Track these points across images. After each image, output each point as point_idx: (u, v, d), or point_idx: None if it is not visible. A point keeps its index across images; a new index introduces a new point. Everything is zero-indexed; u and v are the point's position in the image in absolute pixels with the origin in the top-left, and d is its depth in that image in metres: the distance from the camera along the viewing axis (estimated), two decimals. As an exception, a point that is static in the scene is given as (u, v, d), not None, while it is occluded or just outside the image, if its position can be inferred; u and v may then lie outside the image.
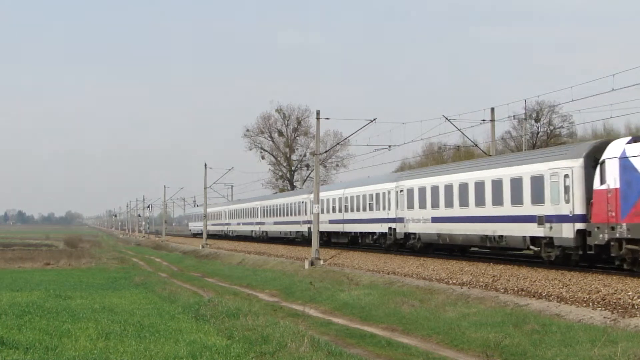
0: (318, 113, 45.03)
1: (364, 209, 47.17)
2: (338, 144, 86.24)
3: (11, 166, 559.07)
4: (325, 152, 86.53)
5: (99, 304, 25.15)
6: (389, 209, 43.03)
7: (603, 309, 20.02)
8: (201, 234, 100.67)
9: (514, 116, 66.79)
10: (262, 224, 74.12)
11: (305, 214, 58.19)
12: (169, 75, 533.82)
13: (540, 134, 79.92)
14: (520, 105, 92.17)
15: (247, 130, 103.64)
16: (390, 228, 42.98)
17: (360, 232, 48.51)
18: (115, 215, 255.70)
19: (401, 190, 41.34)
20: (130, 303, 26.08)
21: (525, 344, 17.25)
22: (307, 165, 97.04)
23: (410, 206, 40.12)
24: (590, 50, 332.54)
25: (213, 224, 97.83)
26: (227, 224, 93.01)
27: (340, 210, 51.56)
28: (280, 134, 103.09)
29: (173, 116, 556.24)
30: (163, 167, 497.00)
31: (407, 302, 25.30)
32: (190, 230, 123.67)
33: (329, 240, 54.02)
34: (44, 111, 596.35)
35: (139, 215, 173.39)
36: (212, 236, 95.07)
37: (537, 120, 78.55)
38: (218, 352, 15.56)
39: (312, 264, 41.53)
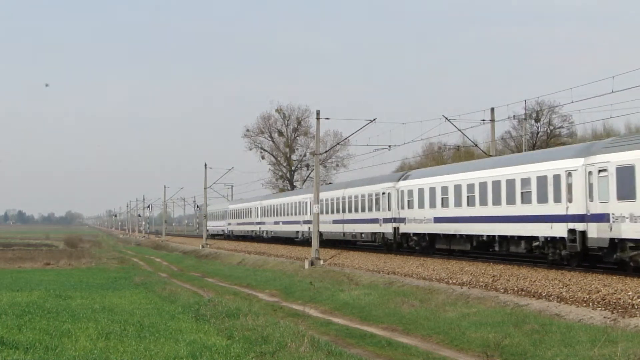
0: (318, 113, 45.10)
1: (510, 202, 31.94)
2: (338, 144, 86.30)
3: (11, 166, 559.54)
4: (325, 152, 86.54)
5: (99, 304, 25.16)
6: (570, 201, 28.19)
7: (603, 309, 20.02)
8: (221, 234, 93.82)
9: (514, 116, 66.95)
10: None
11: (388, 210, 43.73)
12: (169, 75, 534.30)
13: (540, 134, 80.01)
14: (520, 106, 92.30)
15: (247, 130, 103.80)
16: (572, 230, 28.00)
17: (502, 236, 32.99)
18: (115, 215, 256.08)
19: (601, 170, 26.43)
20: (130, 303, 26.09)
21: (525, 344, 17.26)
22: (307, 165, 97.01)
23: (626, 195, 25.07)
24: (591, 51, 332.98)
25: (239, 223, 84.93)
26: (259, 224, 75.68)
27: (457, 204, 36.23)
28: (280, 134, 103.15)
29: (173, 116, 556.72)
30: (163, 167, 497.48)
31: (407, 302, 25.31)
32: (207, 230, 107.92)
33: (431, 245, 39.92)
34: (43, 111, 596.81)
35: (139, 215, 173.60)
36: (238, 238, 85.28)
37: (537, 120, 78.64)
38: (218, 352, 15.57)
39: (312, 264, 41.53)
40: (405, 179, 42.63)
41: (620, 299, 20.78)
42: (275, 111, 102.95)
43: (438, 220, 37.96)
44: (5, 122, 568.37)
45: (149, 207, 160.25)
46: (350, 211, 49.33)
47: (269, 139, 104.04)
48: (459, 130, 44.11)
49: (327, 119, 46.07)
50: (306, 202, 59.55)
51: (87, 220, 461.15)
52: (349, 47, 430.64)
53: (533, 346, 16.98)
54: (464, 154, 72.36)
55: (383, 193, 44.33)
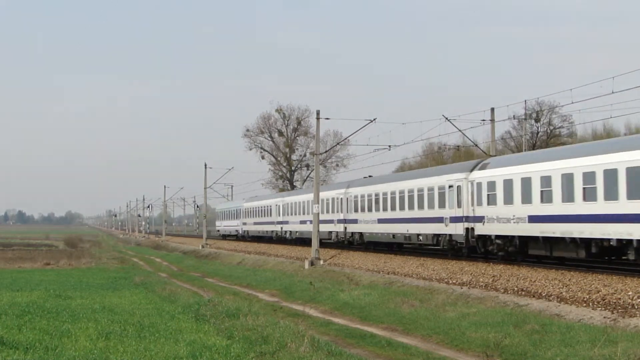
0: (318, 113, 45.10)
1: None
2: (338, 144, 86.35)
3: (11, 166, 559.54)
4: (325, 152, 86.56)
5: (99, 304, 25.16)
6: None
7: (603, 309, 20.02)
8: (235, 235, 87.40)
9: (513, 116, 67.07)
10: (354, 221, 48.97)
11: (458, 206, 35.39)
12: (169, 76, 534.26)
13: (540, 134, 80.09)
14: (520, 106, 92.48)
15: (247, 130, 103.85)
16: None
17: None
18: (115, 215, 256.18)
19: None
20: (130, 303, 26.09)
21: (525, 344, 17.26)
22: (307, 165, 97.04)
23: None
24: (591, 51, 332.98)
25: (255, 223, 76.26)
26: (281, 223, 67.03)
27: (568, 199, 28.02)
28: (280, 134, 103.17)
29: (173, 116, 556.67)
30: (163, 167, 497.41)
31: (407, 302, 25.31)
32: (218, 230, 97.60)
33: (521, 250, 31.81)
34: (43, 112, 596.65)
35: (139, 215, 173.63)
36: (255, 239, 76.71)
37: (537, 120, 78.74)
38: (218, 352, 15.56)
39: (312, 264, 41.52)
40: (482, 169, 34.14)
41: (620, 299, 20.77)
42: (275, 111, 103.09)
43: (535, 219, 29.89)
44: (5, 122, 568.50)
45: (149, 207, 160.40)
46: (402, 208, 41.33)
47: (269, 139, 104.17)
48: (459, 130, 44.03)
49: (327, 119, 46.13)
50: (340, 199, 51.23)
51: (87, 220, 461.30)
52: (348, 47, 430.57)
53: (533, 346, 16.98)
54: (464, 154, 72.36)
55: (450, 186, 36.02)
